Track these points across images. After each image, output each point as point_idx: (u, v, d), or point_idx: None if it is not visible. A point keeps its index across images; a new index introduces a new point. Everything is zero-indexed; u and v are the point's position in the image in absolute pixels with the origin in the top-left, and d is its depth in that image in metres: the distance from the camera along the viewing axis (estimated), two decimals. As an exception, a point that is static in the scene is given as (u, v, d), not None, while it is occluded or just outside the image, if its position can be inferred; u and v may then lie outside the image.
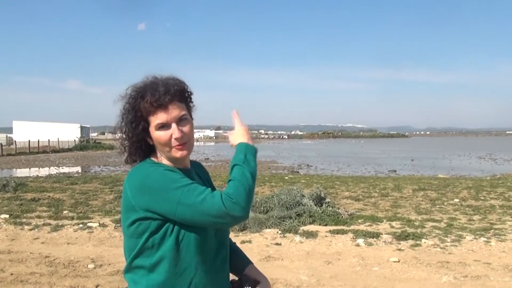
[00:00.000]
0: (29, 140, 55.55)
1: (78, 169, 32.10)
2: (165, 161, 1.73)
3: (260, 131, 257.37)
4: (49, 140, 59.98)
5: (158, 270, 1.65)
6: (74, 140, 70.61)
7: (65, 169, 30.67)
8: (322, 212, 8.87)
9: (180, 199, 1.54)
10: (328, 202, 9.42)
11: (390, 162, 39.61)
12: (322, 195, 9.47)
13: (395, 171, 30.06)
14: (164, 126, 1.66)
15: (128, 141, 1.73)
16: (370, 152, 63.11)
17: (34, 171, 28.61)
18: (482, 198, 12.09)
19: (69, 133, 74.58)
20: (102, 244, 7.60)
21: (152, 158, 1.75)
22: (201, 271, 1.68)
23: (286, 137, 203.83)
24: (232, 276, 1.89)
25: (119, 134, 1.76)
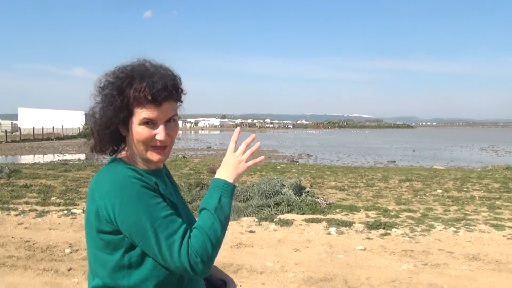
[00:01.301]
0: (33, 127, 56.04)
1: (80, 156, 32.44)
2: (136, 159, 1.56)
3: (265, 120, 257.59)
4: (53, 127, 60.49)
5: None
6: (79, 128, 71.07)
7: (68, 156, 31.02)
8: (300, 202, 9.07)
9: (148, 233, 1.39)
10: (308, 192, 9.62)
11: (391, 153, 39.65)
12: (302, 184, 9.65)
13: (395, 161, 30.14)
14: (149, 122, 1.48)
15: (102, 127, 1.51)
16: (373, 142, 63.08)
17: (36, 158, 28.99)
18: (465, 189, 12.23)
19: (74, 120, 74.97)
20: (82, 230, 7.82)
21: (122, 157, 1.58)
22: (185, 284, 1.55)
23: (291, 126, 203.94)
24: None
25: (91, 118, 1.56)
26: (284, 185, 9.50)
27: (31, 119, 70.48)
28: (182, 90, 1.56)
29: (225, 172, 1.55)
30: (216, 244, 1.42)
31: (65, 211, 8.98)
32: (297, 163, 26.37)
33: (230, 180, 1.53)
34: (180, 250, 1.37)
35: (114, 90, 1.47)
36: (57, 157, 30.07)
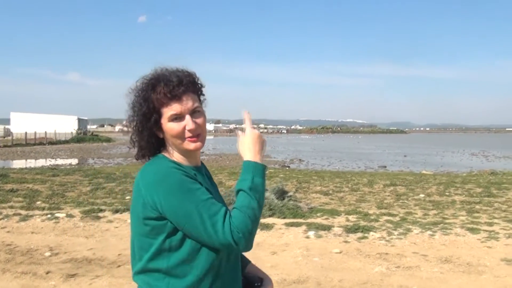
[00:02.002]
0: (25, 132, 55.89)
1: (72, 161, 32.44)
2: (176, 156, 1.69)
3: (260, 125, 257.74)
4: (46, 132, 60.33)
5: (179, 274, 1.60)
6: (71, 132, 71.01)
7: (60, 161, 31.02)
8: (282, 206, 9.19)
9: (192, 214, 1.52)
10: (290, 196, 9.74)
11: (383, 158, 39.84)
12: (285, 189, 9.77)
13: (385, 166, 30.28)
14: (177, 117, 1.64)
15: (139, 135, 1.69)
16: (365, 147, 63.35)
17: (28, 163, 28.93)
18: (447, 194, 12.38)
19: (67, 125, 74.98)
20: (64, 234, 7.92)
21: (164, 154, 1.72)
22: (221, 273, 1.65)
23: (285, 131, 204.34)
24: None
25: (129, 129, 1.72)
26: (267, 190, 9.60)
27: (23, 124, 70.27)
28: (200, 84, 1.74)
29: (251, 153, 1.68)
30: (255, 220, 1.56)
31: (49, 215, 9.04)
32: (288, 168, 26.50)
33: (259, 157, 1.68)
34: (224, 227, 1.50)
35: (141, 99, 1.65)
36: (48, 162, 30.05)
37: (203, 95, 1.76)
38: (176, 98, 1.63)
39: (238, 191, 1.63)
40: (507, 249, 7.02)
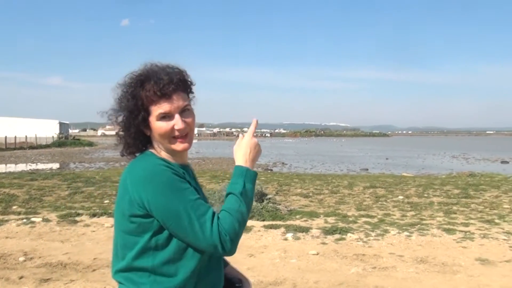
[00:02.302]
0: (5, 136, 55.04)
1: (53, 165, 32.00)
2: (163, 154, 1.66)
3: (243, 129, 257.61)
4: (26, 136, 59.48)
5: (164, 273, 1.57)
6: (52, 137, 70.08)
7: (40, 166, 30.61)
8: (262, 208, 9.18)
9: (181, 214, 1.49)
10: (270, 199, 9.75)
11: (365, 161, 40.07)
12: (265, 191, 9.78)
13: (367, 169, 30.47)
14: (166, 116, 1.60)
15: (126, 131, 1.65)
16: (348, 151, 63.70)
17: (7, 168, 28.48)
18: (425, 195, 12.51)
19: (48, 129, 73.95)
20: (40, 238, 7.80)
21: (151, 150, 1.68)
22: (205, 273, 1.64)
23: (269, 135, 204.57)
24: None
25: (114, 124, 1.68)
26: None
27: (3, 128, 69.17)
28: (190, 82, 1.70)
29: (244, 159, 1.70)
30: (242, 224, 1.56)
31: (25, 220, 8.91)
32: (271, 171, 26.52)
33: (251, 168, 1.70)
34: (212, 229, 1.49)
35: (129, 95, 1.60)
36: (29, 167, 29.61)
37: (193, 93, 1.73)
38: (166, 96, 1.59)
39: (228, 194, 1.63)
40: (482, 249, 7.12)
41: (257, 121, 1.79)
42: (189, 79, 1.69)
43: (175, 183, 1.53)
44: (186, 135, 1.64)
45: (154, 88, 1.57)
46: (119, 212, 1.62)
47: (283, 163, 36.86)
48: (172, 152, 1.66)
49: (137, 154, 1.69)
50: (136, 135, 1.64)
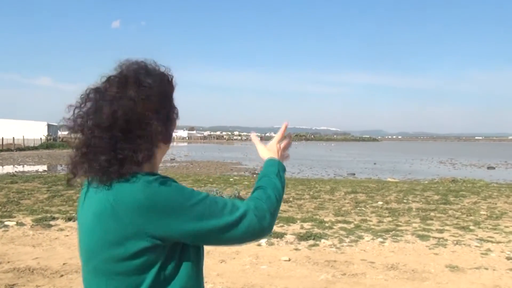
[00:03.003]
0: (-8, 138, 54.62)
1: (40, 167, 31.72)
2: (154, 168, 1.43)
3: (234, 132, 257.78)
4: (13, 138, 59.02)
5: None
6: (41, 138, 69.58)
7: (27, 168, 30.33)
8: (238, 213, 9.15)
9: (204, 216, 1.29)
10: (247, 204, 9.72)
11: (353, 166, 40.18)
12: (241, 196, 9.76)
13: (354, 174, 30.56)
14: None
15: (113, 148, 1.29)
16: (337, 155, 63.90)
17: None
18: (405, 201, 12.56)
19: (36, 131, 73.37)
20: (11, 242, 7.71)
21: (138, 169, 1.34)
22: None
23: (259, 139, 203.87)
24: None
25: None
26: (223, 196, 9.57)
27: (-11, 130, 68.58)
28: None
29: (275, 155, 1.67)
30: (279, 200, 1.50)
31: (-2, 224, 8.81)
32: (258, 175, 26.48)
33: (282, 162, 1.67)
34: (247, 207, 1.37)
35: (163, 97, 1.43)
36: (15, 169, 29.33)
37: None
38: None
39: (262, 177, 1.57)
40: (453, 255, 7.14)
41: (286, 125, 1.77)
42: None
43: (182, 190, 1.31)
44: None
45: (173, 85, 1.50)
46: (111, 251, 1.29)
47: (271, 167, 36.86)
48: (154, 164, 1.46)
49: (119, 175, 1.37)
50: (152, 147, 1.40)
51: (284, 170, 1.63)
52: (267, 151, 1.70)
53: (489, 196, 13.42)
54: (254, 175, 26.59)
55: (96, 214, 1.31)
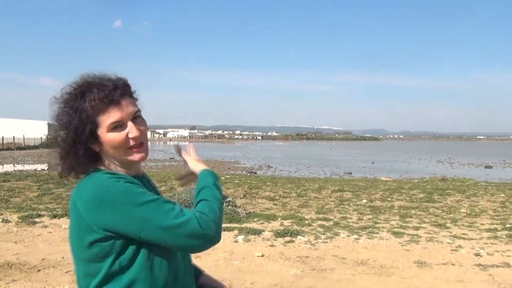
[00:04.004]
0: (-8, 137, 54.93)
1: (39, 166, 31.91)
2: (117, 169, 1.54)
3: (235, 131, 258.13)
4: (14, 137, 59.32)
5: None
6: (41, 138, 69.86)
7: (27, 167, 30.56)
8: (220, 211, 9.32)
9: (148, 216, 1.38)
10: (229, 201, 9.89)
11: (351, 165, 40.32)
12: (224, 194, 9.93)
13: (351, 173, 30.71)
14: (118, 126, 1.46)
15: (70, 151, 1.48)
16: (336, 154, 64.06)
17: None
18: (389, 199, 12.70)
19: (36, 130, 73.66)
20: (-8, 237, 7.90)
21: (100, 167, 1.55)
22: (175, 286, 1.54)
23: (260, 138, 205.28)
24: None
25: (55, 145, 1.52)
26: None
27: (-11, 129, 68.87)
28: (133, 90, 1.57)
29: (206, 166, 1.77)
30: (220, 211, 1.53)
31: (-16, 221, 9.00)
32: (255, 174, 26.69)
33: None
34: (186, 215, 1.42)
35: (70, 109, 1.45)
36: (14, 168, 29.54)
37: (137, 99, 1.58)
38: (115, 102, 1.45)
39: (201, 188, 1.62)
40: (424, 252, 7.30)
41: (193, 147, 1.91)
42: (131, 86, 1.57)
43: (131, 189, 1.42)
44: (141, 144, 1.52)
45: (99, 95, 1.44)
46: (75, 240, 1.48)
47: (268, 166, 37.03)
48: (127, 164, 1.55)
49: (80, 174, 1.55)
50: (84, 153, 1.49)
51: (217, 178, 1.71)
52: (198, 163, 1.79)
53: (473, 195, 13.56)
54: (253, 174, 26.77)
55: (70, 208, 1.52)
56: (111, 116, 1.45)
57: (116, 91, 1.46)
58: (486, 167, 38.54)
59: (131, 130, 1.47)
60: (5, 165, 32.36)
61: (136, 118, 1.51)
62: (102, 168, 1.54)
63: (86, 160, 1.51)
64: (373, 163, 43.70)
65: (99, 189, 1.42)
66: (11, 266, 6.40)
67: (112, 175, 1.46)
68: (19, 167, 30.82)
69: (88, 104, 1.43)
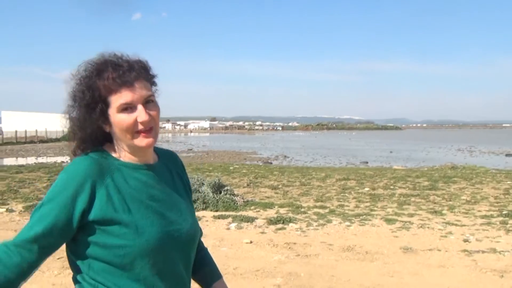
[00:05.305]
0: (16, 131, 56.14)
1: (59, 158, 32.58)
2: (124, 154, 1.50)
3: (256, 122, 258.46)
4: (36, 130, 60.58)
5: None
6: (63, 131, 70.90)
7: (49, 159, 31.26)
8: (218, 199, 9.47)
9: (33, 216, 1.37)
10: (227, 190, 10.02)
11: (368, 154, 40.11)
12: (222, 183, 10.08)
13: (367, 162, 30.60)
14: (127, 107, 1.42)
15: (81, 128, 1.45)
16: (355, 144, 63.73)
17: (13, 161, 29.15)
18: (392, 187, 12.69)
19: (58, 123, 75.00)
20: (-5, 227, 8.19)
21: (106, 148, 1.51)
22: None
23: (280, 128, 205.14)
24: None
25: (68, 121, 1.50)
26: (203, 184, 9.91)
27: (14, 123, 70.44)
28: (151, 72, 1.53)
29: None
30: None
31: (-11, 210, 9.32)
32: (270, 164, 26.82)
33: None
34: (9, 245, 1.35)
35: (84, 86, 1.42)
36: (37, 160, 30.23)
37: (156, 85, 1.54)
38: (127, 84, 1.41)
39: None
40: (413, 238, 7.33)
41: None
42: (151, 70, 1.52)
43: (59, 192, 1.37)
44: (150, 129, 1.45)
45: (113, 75, 1.41)
46: None
47: (285, 156, 37.12)
48: (134, 149, 1.48)
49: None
50: (92, 132, 1.46)
51: None
52: None
53: (479, 182, 13.44)
54: (269, 164, 26.89)
55: None
56: (122, 97, 1.41)
57: (131, 72, 1.43)
58: (507, 155, 37.92)
59: (140, 113, 1.42)
60: (28, 158, 33.15)
61: (149, 102, 1.46)
62: (109, 150, 1.51)
63: (95, 138, 1.48)
64: (391, 152, 43.37)
65: (61, 175, 1.42)
66: (6, 253, 6.64)
67: (90, 165, 1.42)
68: (40, 159, 31.50)
69: (101, 83, 1.41)
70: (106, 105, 1.42)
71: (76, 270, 1.46)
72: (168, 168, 1.63)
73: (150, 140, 1.45)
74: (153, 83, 1.52)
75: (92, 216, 1.39)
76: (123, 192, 1.44)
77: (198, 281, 1.71)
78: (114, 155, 1.50)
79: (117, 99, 1.41)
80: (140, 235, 1.40)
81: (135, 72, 1.43)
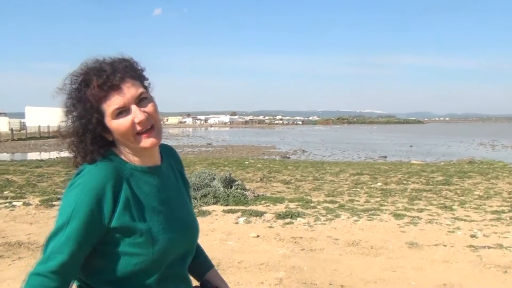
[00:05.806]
0: (39, 126, 57.21)
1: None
2: (132, 157, 1.47)
3: (276, 116, 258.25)
4: (59, 125, 61.64)
5: None
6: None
7: (68, 154, 31.75)
8: (228, 194, 9.59)
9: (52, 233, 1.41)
10: (238, 184, 10.13)
11: (388, 148, 39.86)
12: (233, 178, 10.19)
13: (386, 157, 30.43)
14: (122, 111, 1.38)
15: (81, 143, 1.43)
16: (375, 138, 63.32)
17: (35, 156, 29.76)
18: (405, 182, 12.64)
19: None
20: (13, 220, 8.42)
21: (113, 149, 1.47)
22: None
23: (301, 122, 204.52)
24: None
25: (67, 139, 1.48)
26: (215, 178, 10.03)
27: (38, 118, 71.66)
28: (138, 67, 1.48)
29: None
30: None
31: (7, 204, 9.59)
32: (288, 159, 26.88)
33: None
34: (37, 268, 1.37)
35: (74, 100, 1.40)
36: (58, 155, 30.76)
37: (147, 79, 1.50)
38: (114, 88, 1.37)
39: None
40: (419, 233, 7.32)
41: None
42: (138, 66, 1.47)
43: (64, 211, 1.40)
44: (151, 127, 1.42)
45: (98, 82, 1.36)
46: None
47: (303, 150, 37.13)
48: (141, 152, 1.46)
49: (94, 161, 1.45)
50: (93, 141, 1.42)
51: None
52: None
53: (495, 177, 13.29)
54: (287, 159, 26.96)
55: None
56: (113, 102, 1.37)
57: (115, 75, 1.37)
58: (530, 149, 37.30)
59: (136, 114, 1.38)
60: (51, 152, 33.78)
61: (142, 100, 1.42)
62: (117, 152, 1.48)
63: (97, 150, 1.44)
64: (411, 146, 43.01)
65: (80, 177, 1.42)
66: (20, 245, 6.86)
67: (80, 178, 1.40)
68: (62, 154, 31.96)
69: (89, 93, 1.37)
70: (101, 114, 1.39)
71: (82, 276, 1.47)
72: (171, 166, 1.62)
73: (153, 139, 1.42)
74: (143, 79, 1.48)
75: (112, 223, 1.39)
76: (138, 199, 1.43)
77: (190, 271, 1.69)
78: (123, 158, 1.47)
79: (109, 106, 1.38)
80: (155, 244, 1.41)
81: (119, 74, 1.38)
